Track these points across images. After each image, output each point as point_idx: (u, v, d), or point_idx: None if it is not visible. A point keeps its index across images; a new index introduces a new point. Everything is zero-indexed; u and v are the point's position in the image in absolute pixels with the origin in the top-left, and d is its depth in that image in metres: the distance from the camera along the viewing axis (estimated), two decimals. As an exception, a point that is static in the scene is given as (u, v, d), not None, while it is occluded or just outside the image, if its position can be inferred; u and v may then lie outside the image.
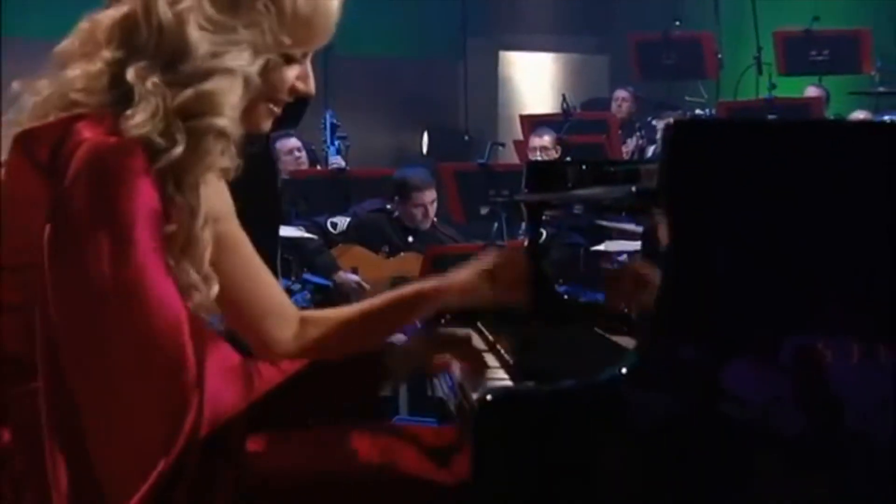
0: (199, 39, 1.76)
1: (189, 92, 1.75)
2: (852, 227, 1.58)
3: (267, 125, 1.95)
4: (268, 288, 2.14)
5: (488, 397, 1.55)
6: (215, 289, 1.87)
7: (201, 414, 1.72)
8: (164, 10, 1.76)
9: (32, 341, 1.74)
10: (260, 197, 3.10)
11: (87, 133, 1.72)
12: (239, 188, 1.95)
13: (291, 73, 1.90)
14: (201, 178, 1.79)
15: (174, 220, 1.77)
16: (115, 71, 1.78)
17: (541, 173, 2.81)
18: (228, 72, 1.78)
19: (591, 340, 2.31)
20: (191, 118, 1.76)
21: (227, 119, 1.79)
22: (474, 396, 1.81)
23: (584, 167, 2.65)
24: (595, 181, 2.52)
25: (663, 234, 1.56)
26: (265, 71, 1.85)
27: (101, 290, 1.69)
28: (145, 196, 1.71)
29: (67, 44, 1.85)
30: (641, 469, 1.56)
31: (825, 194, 1.57)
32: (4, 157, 1.81)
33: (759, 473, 1.54)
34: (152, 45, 1.77)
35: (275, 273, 3.51)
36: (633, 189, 1.70)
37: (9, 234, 1.79)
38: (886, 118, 8.07)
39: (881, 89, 8.87)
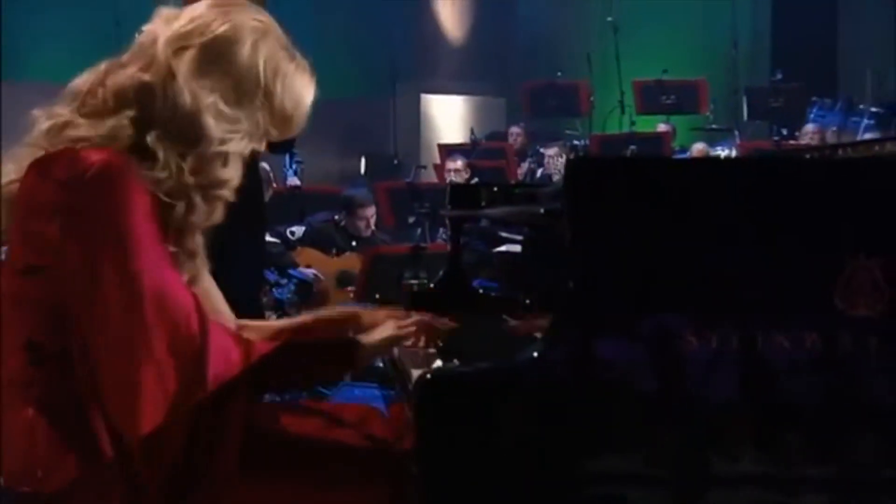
0: (213, 128, 1.96)
1: (208, 172, 1.97)
2: (709, 241, 1.73)
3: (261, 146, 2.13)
4: (217, 293, 2.26)
5: (428, 376, 1.68)
6: (199, 262, 2.06)
7: (206, 370, 1.88)
8: (186, 98, 1.94)
9: (51, 329, 1.90)
10: (250, 210, 3.32)
11: (96, 156, 1.88)
12: (233, 203, 2.09)
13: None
14: (200, 230, 2.01)
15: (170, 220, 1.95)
16: (131, 129, 1.94)
17: (462, 194, 3.03)
18: (232, 157, 2.01)
19: (499, 325, 2.51)
20: (209, 189, 1.98)
21: (231, 192, 2.02)
22: (414, 373, 1.95)
23: (495, 189, 2.85)
24: (504, 200, 2.72)
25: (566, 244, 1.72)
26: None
27: (113, 280, 1.84)
28: (145, 200, 1.89)
29: (80, 83, 2.01)
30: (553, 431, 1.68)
31: (685, 213, 1.72)
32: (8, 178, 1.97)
33: (620, 424, 1.70)
34: (166, 118, 1.94)
35: (261, 271, 3.69)
36: (542, 210, 1.85)
37: (28, 241, 1.93)
38: (719, 149, 9.77)
39: (714, 126, 11.09)
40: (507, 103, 12.75)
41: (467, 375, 1.73)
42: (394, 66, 12.26)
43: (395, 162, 12.00)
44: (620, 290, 1.73)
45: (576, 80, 11.41)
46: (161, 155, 1.92)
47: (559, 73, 11.56)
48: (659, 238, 1.72)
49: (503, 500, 1.71)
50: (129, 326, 1.86)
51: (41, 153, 1.95)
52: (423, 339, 2.25)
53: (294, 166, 9.53)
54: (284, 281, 6.82)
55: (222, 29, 2.01)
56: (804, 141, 10.51)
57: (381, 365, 2.64)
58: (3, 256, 2.04)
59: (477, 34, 12.95)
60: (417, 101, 12.95)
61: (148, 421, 1.85)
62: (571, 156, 10.02)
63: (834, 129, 10.97)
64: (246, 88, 2.01)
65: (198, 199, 1.97)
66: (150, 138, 1.93)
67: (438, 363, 2.04)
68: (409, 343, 2.21)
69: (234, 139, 2.00)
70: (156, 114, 1.95)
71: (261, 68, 2.02)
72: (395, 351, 2.24)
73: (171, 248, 1.97)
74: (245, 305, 2.49)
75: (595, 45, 11.53)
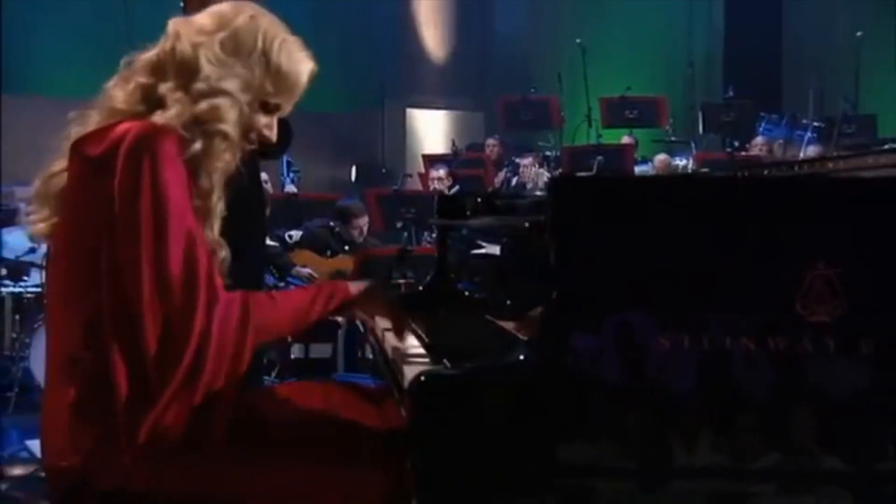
0: (206, 67, 2.03)
1: (203, 104, 2.01)
2: (681, 252, 1.70)
3: (239, 158, 2.12)
4: None
5: (422, 378, 1.64)
6: (223, 253, 2.09)
7: (212, 319, 1.91)
8: (184, 46, 2.04)
9: (108, 306, 1.92)
10: (253, 215, 3.30)
11: (130, 125, 1.96)
12: (235, 209, 2.13)
13: (263, 120, 2.12)
14: (213, 169, 2.03)
15: (197, 197, 2.00)
16: (147, 90, 2.04)
17: (448, 204, 3.03)
18: (226, 93, 2.03)
19: (483, 324, 2.48)
20: (204, 123, 2.01)
21: (229, 126, 2.04)
22: (406, 370, 1.96)
23: (478, 199, 2.87)
24: (487, 210, 2.74)
25: (551, 255, 1.68)
26: (248, 109, 2.08)
27: (146, 229, 1.89)
28: (179, 167, 1.95)
29: (112, 82, 2.10)
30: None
31: (660, 227, 1.69)
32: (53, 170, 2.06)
33: (594, 417, 1.67)
34: (174, 71, 2.04)
35: (262, 273, 3.65)
36: (526, 224, 1.84)
37: (79, 221, 1.98)
38: (678, 159, 10.03)
39: (672, 139, 11.24)
40: (485, 117, 12.74)
41: (458, 377, 1.70)
42: (382, 84, 12.28)
43: (384, 171, 12.03)
44: (598, 298, 1.70)
45: (547, 96, 11.33)
46: (169, 98, 2.01)
47: (532, 90, 11.49)
48: (633, 250, 1.70)
49: (489, 488, 1.68)
50: (162, 297, 1.90)
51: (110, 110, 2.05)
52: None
53: (291, 175, 9.76)
54: (282, 285, 6.79)
55: (224, 7, 2.12)
56: (754, 152, 10.59)
57: (371, 357, 2.57)
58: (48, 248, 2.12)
59: (457, 54, 12.96)
60: (403, 116, 12.94)
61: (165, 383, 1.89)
62: (545, 167, 10.06)
63: (780, 141, 11.08)
64: (242, 44, 2.07)
65: (202, 135, 2.01)
66: (161, 88, 2.02)
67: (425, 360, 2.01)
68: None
69: (227, 79, 2.04)
70: (166, 70, 2.05)
71: (259, 32, 2.08)
72: (389, 351, 2.20)
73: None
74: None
75: (565, 64, 11.52)
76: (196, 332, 1.90)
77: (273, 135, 2.16)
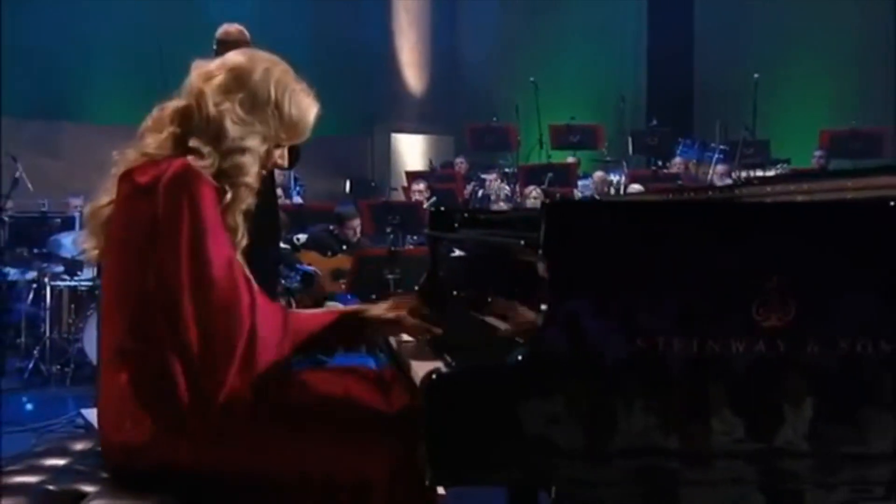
0: (231, 129, 1.93)
1: (230, 161, 1.93)
2: (658, 273, 1.59)
3: (258, 182, 2.05)
4: None
5: (433, 377, 1.55)
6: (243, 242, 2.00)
7: (255, 331, 1.83)
8: (211, 108, 1.93)
9: (147, 311, 1.84)
10: (268, 222, 3.24)
11: (172, 161, 1.88)
12: (255, 221, 2.05)
13: (277, 152, 2.05)
14: (237, 211, 1.95)
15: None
16: (178, 138, 1.95)
17: (439, 218, 2.84)
18: (249, 150, 1.95)
19: (472, 321, 2.40)
20: (231, 177, 1.93)
21: (252, 178, 1.97)
22: (412, 363, 1.89)
23: (465, 214, 2.77)
24: (473, 224, 2.64)
25: (542, 271, 1.59)
26: (266, 155, 2.01)
27: (187, 253, 1.80)
28: (212, 197, 1.87)
29: (144, 124, 2.00)
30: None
31: (642, 249, 1.59)
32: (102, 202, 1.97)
33: (583, 409, 1.57)
34: (202, 128, 1.93)
35: (277, 271, 3.49)
36: (522, 242, 1.72)
37: (126, 243, 1.90)
38: (612, 175, 10.07)
39: (608, 159, 11.25)
40: (455, 140, 12.63)
41: (463, 375, 1.61)
42: (372, 113, 12.45)
43: (373, 184, 12.08)
44: (586, 309, 1.59)
45: (507, 124, 11.39)
46: (201, 150, 1.92)
47: (494, 119, 11.54)
48: (616, 268, 1.60)
49: (487, 464, 1.60)
50: (205, 298, 1.82)
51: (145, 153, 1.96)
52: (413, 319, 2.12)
53: (298, 188, 9.71)
54: (293, 274, 6.73)
55: (241, 60, 2.01)
56: (673, 170, 10.64)
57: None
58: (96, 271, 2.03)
59: (432, 90, 12.88)
60: (389, 139, 12.83)
61: (220, 373, 1.82)
62: (505, 182, 10.00)
63: (694, 161, 11.11)
64: (258, 100, 1.96)
65: (229, 186, 1.94)
66: (192, 142, 1.93)
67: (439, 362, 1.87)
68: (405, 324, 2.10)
69: (249, 137, 1.96)
70: (193, 125, 1.95)
71: (271, 85, 1.98)
72: (394, 343, 2.12)
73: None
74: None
75: (521, 97, 11.39)
76: (245, 331, 1.84)
77: (285, 162, 2.10)
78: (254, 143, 1.96)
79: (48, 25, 10.82)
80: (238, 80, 1.96)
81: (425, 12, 12.65)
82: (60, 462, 2.08)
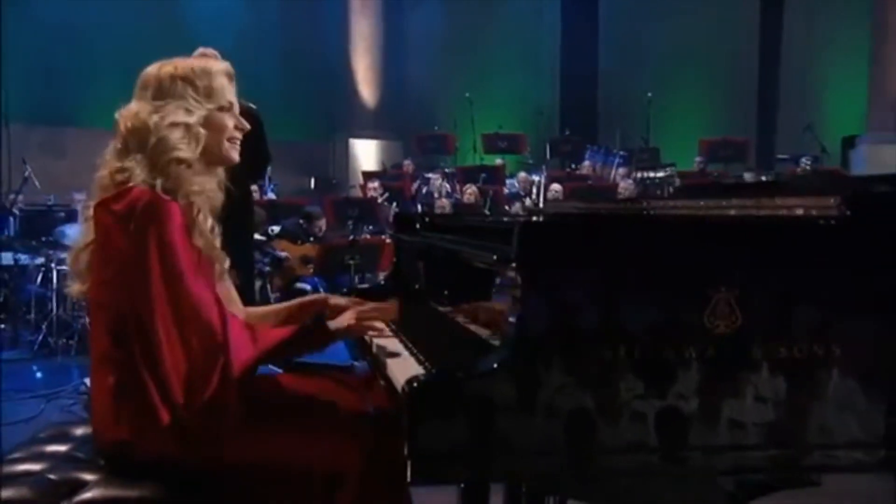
0: (150, 119, 1.70)
1: (161, 147, 1.68)
2: (616, 287, 1.41)
3: (235, 156, 1.81)
4: (233, 289, 1.99)
5: (414, 384, 1.35)
6: (226, 263, 1.79)
7: (229, 360, 1.62)
8: (131, 120, 1.72)
9: (122, 323, 1.63)
10: (242, 220, 3.03)
11: (138, 193, 1.63)
12: (231, 214, 1.83)
13: (228, 118, 1.79)
14: (193, 194, 1.70)
15: (199, 235, 1.70)
16: (119, 171, 1.70)
17: (402, 221, 2.68)
18: (171, 125, 1.70)
19: (429, 309, 2.21)
20: (159, 161, 1.68)
21: (182, 151, 1.70)
22: (388, 363, 1.70)
23: (426, 218, 2.56)
24: (433, 228, 2.43)
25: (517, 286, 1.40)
26: (208, 120, 1.75)
27: (162, 282, 1.59)
28: (177, 216, 1.63)
29: (100, 172, 1.76)
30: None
31: (604, 263, 1.42)
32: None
33: (538, 403, 1.39)
34: (134, 142, 1.71)
35: (252, 265, 3.23)
36: (495, 257, 1.50)
37: (103, 261, 1.67)
38: (534, 176, 9.77)
39: (530, 162, 11.15)
40: (403, 145, 12.33)
41: (441, 383, 1.40)
42: (332, 121, 12.13)
43: (334, 182, 11.85)
44: (554, 320, 1.41)
45: (446, 132, 11.35)
46: (136, 158, 1.69)
47: (436, 127, 11.49)
48: (582, 282, 1.41)
49: (464, 462, 1.41)
50: (175, 317, 1.61)
51: (104, 188, 1.71)
52: (378, 322, 1.90)
53: (271, 186, 9.48)
54: (266, 259, 6.60)
55: (148, 69, 1.79)
56: (584, 172, 10.61)
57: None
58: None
59: (383, 101, 12.58)
60: (347, 144, 12.42)
61: (187, 388, 1.61)
62: (446, 180, 9.79)
63: (599, 164, 11.06)
64: (163, 84, 1.73)
65: (164, 174, 1.68)
66: (127, 163, 1.69)
67: (415, 365, 1.67)
68: (366, 324, 1.85)
69: (169, 114, 1.70)
70: (128, 145, 1.73)
71: (171, 67, 1.75)
72: (373, 346, 1.89)
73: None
74: (241, 288, 2.13)
75: (458, 110, 11.33)
76: (219, 346, 1.62)
77: (244, 124, 1.82)
78: (177, 116, 1.70)
79: (53, 39, 10.53)
80: (144, 82, 1.75)
81: (378, 38, 12.40)
82: (62, 448, 1.89)
